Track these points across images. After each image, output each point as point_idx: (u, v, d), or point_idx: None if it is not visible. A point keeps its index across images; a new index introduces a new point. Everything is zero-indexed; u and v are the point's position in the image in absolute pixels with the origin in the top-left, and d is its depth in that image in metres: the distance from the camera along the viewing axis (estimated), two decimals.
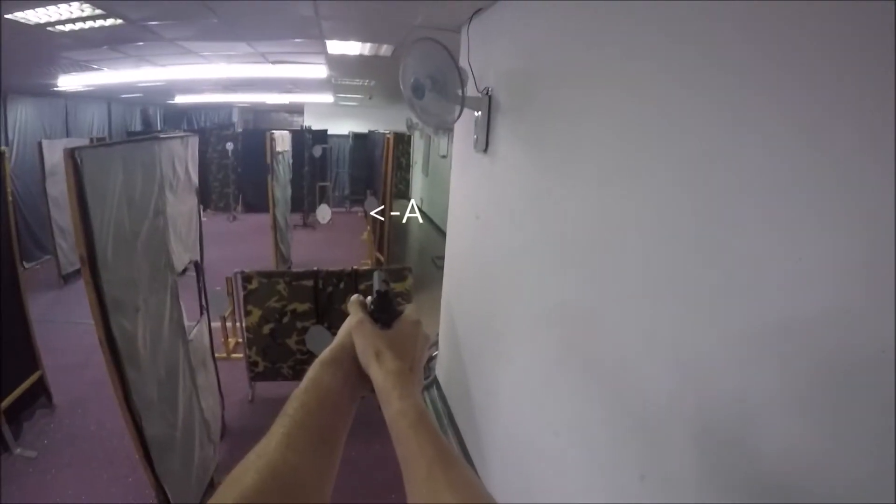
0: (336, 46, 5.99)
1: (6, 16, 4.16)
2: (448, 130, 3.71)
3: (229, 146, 16.74)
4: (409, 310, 1.13)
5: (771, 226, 1.33)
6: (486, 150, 3.72)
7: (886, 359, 1.03)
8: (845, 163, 1.14)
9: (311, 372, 0.99)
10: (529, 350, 3.07)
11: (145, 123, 18.17)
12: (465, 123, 4.05)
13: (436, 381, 5.52)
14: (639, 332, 1.94)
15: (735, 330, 1.46)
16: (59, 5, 4.03)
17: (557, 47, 2.78)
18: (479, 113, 3.66)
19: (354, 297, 1.13)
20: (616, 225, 2.15)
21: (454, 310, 4.98)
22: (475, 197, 4.17)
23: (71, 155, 2.95)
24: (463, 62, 4.02)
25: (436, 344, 5.74)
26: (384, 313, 1.09)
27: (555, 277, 2.74)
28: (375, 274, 1.18)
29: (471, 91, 3.65)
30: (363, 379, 1.02)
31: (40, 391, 5.66)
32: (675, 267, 1.74)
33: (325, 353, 1.03)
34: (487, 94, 3.61)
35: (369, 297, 1.13)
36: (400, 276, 5.63)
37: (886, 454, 1.02)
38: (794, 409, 1.27)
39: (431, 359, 5.89)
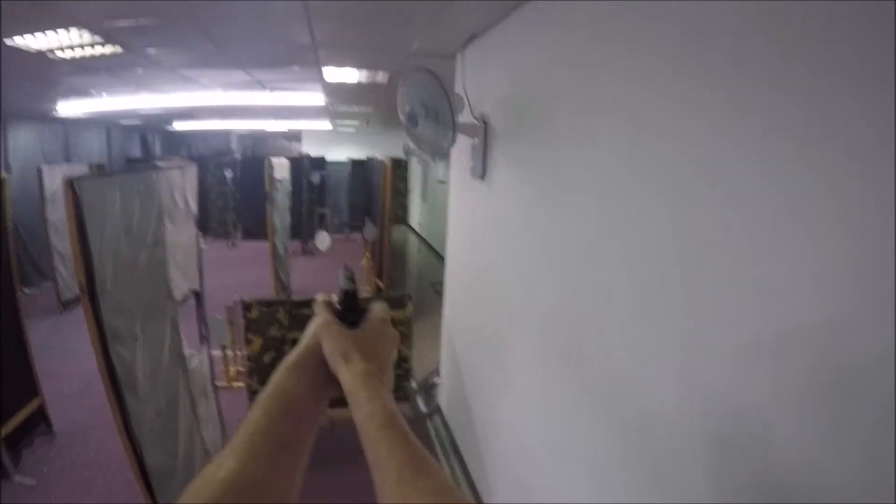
0: (333, 74, 6.03)
1: (5, 41, 4.19)
2: (445, 156, 3.73)
3: (228, 173, 16.78)
4: (376, 308, 1.10)
5: (772, 234, 1.34)
6: (483, 177, 3.73)
7: (887, 363, 1.03)
8: (844, 172, 1.15)
9: (276, 376, 0.96)
10: (531, 375, 3.07)
11: (144, 150, 18.27)
12: (462, 150, 4.07)
13: (438, 409, 5.50)
14: (641, 353, 1.95)
15: (739, 343, 1.47)
16: (58, 32, 4.06)
17: (551, 73, 2.81)
18: (476, 140, 3.68)
19: (319, 296, 1.11)
20: (615, 248, 2.16)
21: (455, 336, 4.97)
22: (473, 224, 4.18)
23: (70, 185, 2.95)
24: (458, 89, 4.04)
25: (437, 371, 5.73)
26: (351, 313, 1.06)
27: (555, 303, 2.74)
28: (340, 271, 1.14)
29: (466, 118, 3.67)
30: (331, 382, 0.99)
31: (40, 418, 5.64)
32: (676, 287, 1.74)
33: (289, 357, 1.00)
34: (483, 120, 3.62)
35: (335, 296, 1.10)
36: (400, 304, 5.61)
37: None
38: (807, 422, 1.26)
39: (433, 386, 5.87)
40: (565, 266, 2.62)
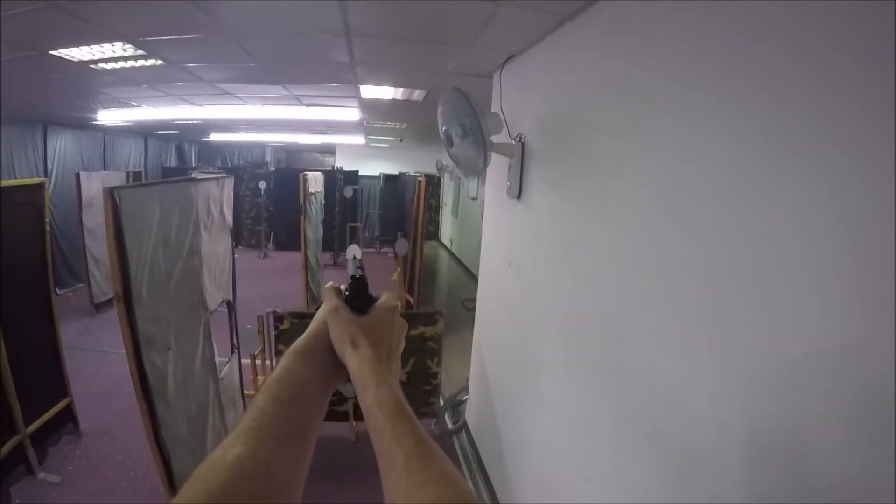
0: (369, 91, 6.07)
1: (51, 52, 4.27)
2: (480, 175, 3.71)
3: (262, 185, 16.91)
4: (385, 296, 1.08)
5: (819, 254, 1.34)
6: (519, 197, 3.74)
7: None
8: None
9: (284, 361, 0.95)
10: (563, 393, 3.06)
11: (180, 159, 18.45)
12: (498, 169, 4.08)
13: (465, 426, 5.49)
14: (679, 373, 1.93)
15: (780, 365, 1.46)
16: (102, 45, 4.13)
17: (589, 95, 2.82)
18: (513, 159, 3.69)
19: (329, 283, 1.09)
20: (653, 267, 2.15)
21: (485, 353, 4.97)
22: (508, 243, 4.19)
23: (110, 194, 2.99)
24: (496, 108, 4.05)
25: (465, 388, 5.72)
26: (359, 299, 1.04)
27: (590, 322, 2.73)
28: (350, 259, 1.13)
29: (504, 138, 3.67)
30: (338, 368, 0.98)
31: (68, 418, 5.68)
32: (716, 306, 1.74)
33: (298, 342, 1.00)
34: (520, 140, 3.63)
35: (343, 285, 1.08)
36: (431, 321, 5.60)
37: None
38: (852, 440, 1.25)
39: (461, 403, 5.86)
40: (601, 286, 2.61)
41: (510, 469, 3.98)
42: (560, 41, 3.22)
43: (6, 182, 4.89)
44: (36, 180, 5.33)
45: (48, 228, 5.29)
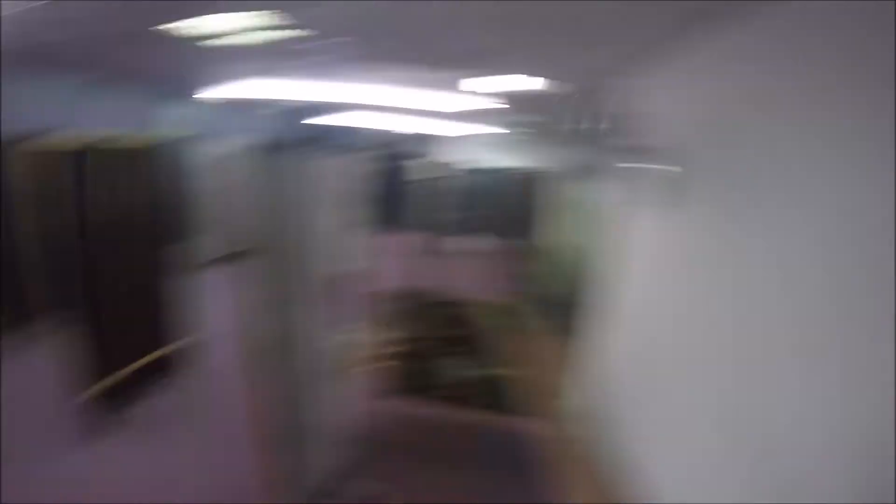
0: (505, 81, 5.98)
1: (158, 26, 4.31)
2: (616, 178, 3.61)
3: (381, 167, 17.19)
4: None
5: None
6: (672, 208, 3.57)
7: None
8: None
9: None
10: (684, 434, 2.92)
11: (294, 137, 18.84)
12: (644, 175, 3.93)
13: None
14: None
15: None
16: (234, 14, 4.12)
17: (761, 99, 2.61)
18: (665, 167, 3.53)
19: None
20: (835, 298, 1.99)
21: (612, 364, 4.83)
22: (654, 256, 4.02)
23: (245, 155, 3.05)
24: (644, 109, 3.90)
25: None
26: None
27: (749, 361, 2.56)
28: None
29: (654, 142, 3.53)
30: None
31: (167, 364, 5.93)
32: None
33: None
34: (676, 147, 3.47)
35: None
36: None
37: None
38: None
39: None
40: (769, 329, 2.44)
41: None
42: (724, 46, 3.03)
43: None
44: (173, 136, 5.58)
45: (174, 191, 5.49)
